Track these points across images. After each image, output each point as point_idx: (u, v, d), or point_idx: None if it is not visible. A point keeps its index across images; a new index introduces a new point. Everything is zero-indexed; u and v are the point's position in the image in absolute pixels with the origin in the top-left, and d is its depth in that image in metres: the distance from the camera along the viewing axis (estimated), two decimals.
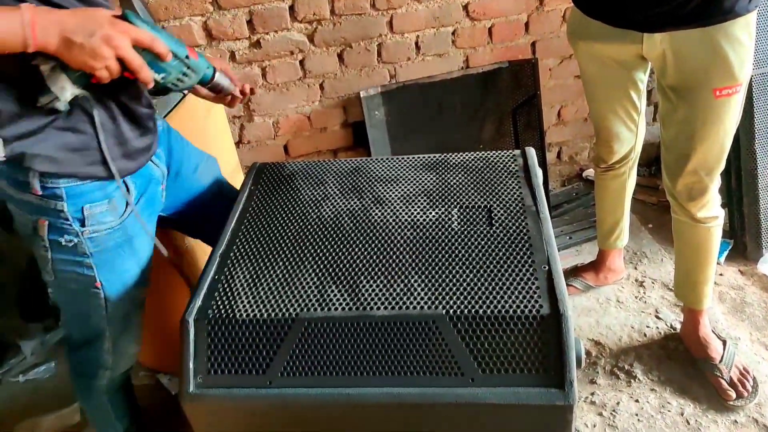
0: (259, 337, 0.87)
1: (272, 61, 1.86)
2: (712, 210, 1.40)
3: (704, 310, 1.54)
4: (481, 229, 0.99)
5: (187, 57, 0.89)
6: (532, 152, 1.15)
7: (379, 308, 0.86)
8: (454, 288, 0.88)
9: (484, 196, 1.06)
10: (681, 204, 1.41)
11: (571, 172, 2.36)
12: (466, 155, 1.17)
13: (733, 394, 1.46)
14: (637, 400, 1.50)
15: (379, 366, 0.84)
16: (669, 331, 1.68)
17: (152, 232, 1.06)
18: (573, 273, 1.83)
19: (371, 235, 1.00)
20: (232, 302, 0.90)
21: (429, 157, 1.18)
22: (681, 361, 1.59)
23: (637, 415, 1.47)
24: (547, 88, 2.10)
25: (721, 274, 1.85)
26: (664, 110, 1.33)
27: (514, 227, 0.98)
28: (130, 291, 1.04)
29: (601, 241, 1.79)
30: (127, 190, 0.97)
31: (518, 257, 0.93)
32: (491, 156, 1.16)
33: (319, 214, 1.06)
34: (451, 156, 1.18)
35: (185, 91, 1.05)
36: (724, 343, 1.55)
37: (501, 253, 0.94)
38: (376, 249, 0.97)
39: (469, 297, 0.87)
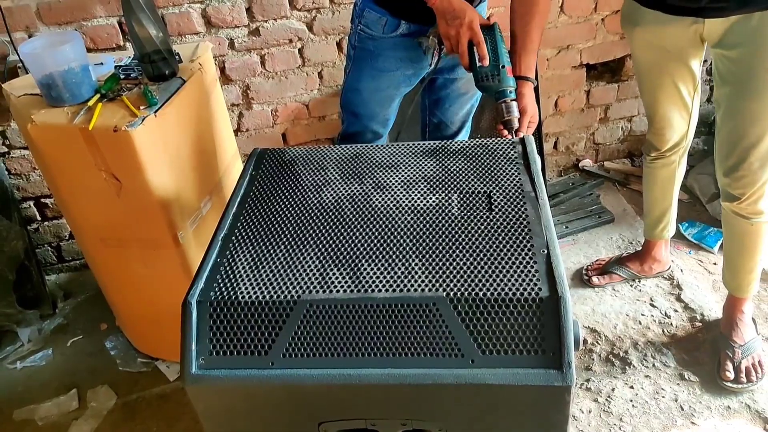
0: (261, 319, 0.87)
1: (271, 49, 1.85)
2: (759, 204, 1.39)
3: (744, 298, 1.55)
4: (481, 214, 1.00)
5: (502, 66, 1.21)
6: (530, 140, 1.16)
7: (380, 290, 0.87)
8: (455, 271, 0.89)
9: (484, 182, 1.07)
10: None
11: (567, 163, 2.37)
12: (466, 142, 1.18)
13: (731, 375, 1.48)
14: (631, 387, 1.52)
15: (380, 347, 0.85)
16: (663, 319, 1.70)
17: (402, 69, 1.39)
18: (618, 261, 1.83)
19: (372, 219, 1.00)
20: (234, 285, 0.90)
21: (429, 143, 1.19)
22: (675, 348, 1.61)
23: (631, 401, 1.49)
24: (545, 78, 2.10)
25: (714, 263, 1.87)
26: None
27: (513, 213, 0.99)
28: (362, 92, 1.42)
29: (648, 231, 1.78)
30: (396, 26, 1.31)
31: (517, 241, 0.93)
32: (490, 143, 1.17)
33: (320, 199, 1.06)
34: (450, 143, 1.18)
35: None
36: (757, 336, 1.56)
37: (500, 238, 0.94)
38: (376, 233, 0.97)
39: (469, 280, 0.87)
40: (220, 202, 1.55)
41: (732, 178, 1.37)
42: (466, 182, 1.07)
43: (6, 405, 1.64)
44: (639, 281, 1.82)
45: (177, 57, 1.42)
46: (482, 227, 0.97)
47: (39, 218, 2.00)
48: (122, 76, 1.40)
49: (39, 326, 1.85)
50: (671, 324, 1.68)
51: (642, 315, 1.72)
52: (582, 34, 2.08)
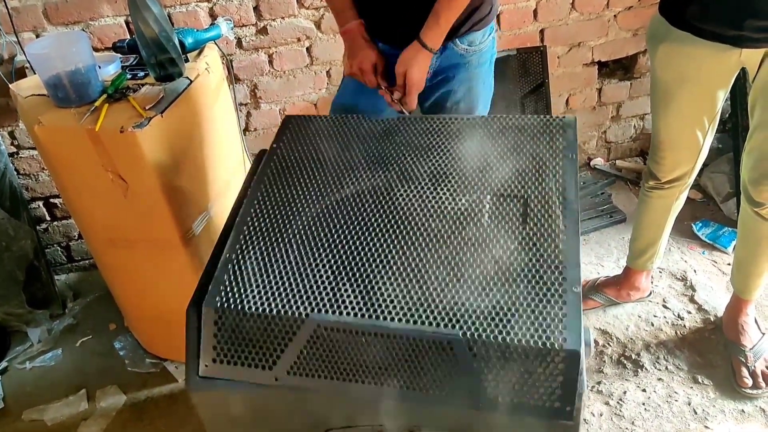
0: (268, 333, 0.84)
1: (279, 47, 1.84)
2: None
3: (751, 300, 1.53)
4: (514, 227, 0.89)
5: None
6: (573, 122, 1.05)
7: (393, 319, 0.81)
8: (474, 305, 0.81)
9: (522, 181, 0.95)
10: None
11: (579, 161, 2.34)
12: (510, 120, 1.04)
13: (750, 382, 1.45)
14: (644, 390, 1.50)
15: (389, 378, 0.82)
16: (676, 320, 1.67)
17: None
18: (594, 287, 1.75)
19: (393, 222, 0.92)
20: (242, 291, 0.87)
21: (471, 118, 1.07)
22: (688, 350, 1.59)
23: (644, 404, 1.47)
24: (555, 76, 2.08)
25: (728, 264, 1.84)
26: None
27: (548, 231, 0.89)
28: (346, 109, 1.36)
29: (630, 258, 1.69)
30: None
31: (548, 272, 0.83)
32: (537, 124, 1.03)
33: (340, 190, 0.98)
34: (494, 119, 1.06)
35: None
36: (763, 335, 1.54)
37: (531, 265, 0.85)
38: (396, 243, 0.89)
39: (489, 318, 0.79)
40: (228, 203, 1.54)
41: (755, 189, 1.34)
42: (503, 180, 0.95)
43: (16, 405, 1.65)
44: (651, 282, 1.79)
45: (184, 57, 1.41)
46: (513, 247, 0.87)
47: (48, 218, 2.00)
48: (129, 76, 1.39)
49: (48, 326, 1.85)
50: (684, 326, 1.65)
51: (654, 316, 1.69)
52: (594, 31, 2.04)
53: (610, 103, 2.23)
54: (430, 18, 1.17)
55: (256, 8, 1.76)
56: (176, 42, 1.35)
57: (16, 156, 1.86)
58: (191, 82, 1.37)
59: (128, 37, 1.70)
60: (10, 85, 1.43)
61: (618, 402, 1.48)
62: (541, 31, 2.01)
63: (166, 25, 1.31)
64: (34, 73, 1.46)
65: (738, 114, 1.89)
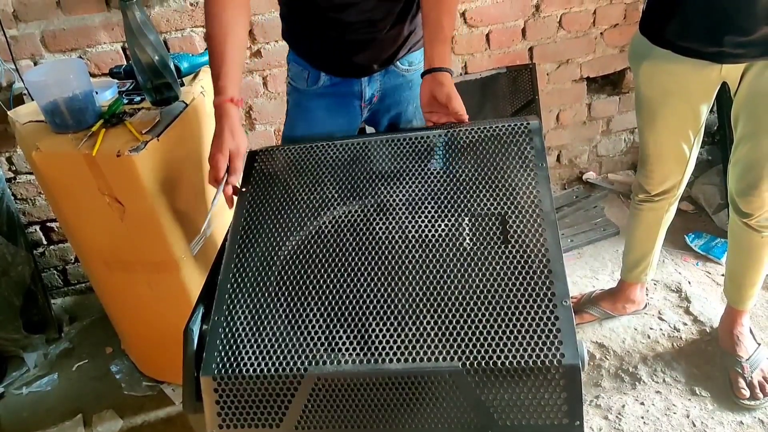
0: (269, 392, 0.83)
1: (273, 70, 1.87)
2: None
3: (745, 311, 1.54)
4: (496, 247, 0.90)
5: None
6: (539, 127, 1.04)
7: (392, 360, 0.81)
8: (470, 332, 0.81)
9: (497, 198, 0.95)
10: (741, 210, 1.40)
11: (570, 176, 2.37)
12: (475, 131, 1.04)
13: (747, 393, 1.46)
14: (642, 403, 1.50)
15: (395, 422, 0.81)
16: (672, 332, 1.68)
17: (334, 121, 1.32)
18: (590, 300, 1.77)
19: (377, 258, 0.92)
20: (237, 355, 0.85)
21: (433, 135, 1.06)
22: (685, 362, 1.59)
23: (642, 417, 1.47)
24: (545, 92, 2.11)
25: (722, 275, 1.85)
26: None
27: (531, 245, 0.88)
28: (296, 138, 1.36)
29: (624, 271, 1.71)
30: (317, 78, 1.29)
31: (537, 289, 0.84)
32: (501, 132, 1.03)
33: (319, 232, 0.97)
34: (457, 132, 1.04)
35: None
36: (759, 345, 1.55)
37: (518, 283, 0.85)
38: (383, 278, 0.89)
39: (486, 344, 0.80)
40: (224, 224, 1.55)
41: (743, 200, 1.37)
42: (478, 198, 0.96)
43: (12, 431, 1.64)
44: (647, 294, 1.80)
45: (179, 81, 1.44)
46: (498, 268, 0.87)
47: (45, 242, 2.01)
48: (125, 101, 1.41)
49: (45, 351, 1.85)
50: (680, 338, 1.66)
51: (650, 329, 1.70)
52: (581, 48, 2.08)
53: (600, 118, 2.26)
54: (433, 39, 1.10)
55: (250, 32, 1.79)
56: (172, 67, 1.37)
57: (13, 181, 1.88)
58: (187, 105, 1.39)
59: (125, 63, 1.73)
60: (8, 112, 1.45)
61: (617, 416, 1.48)
62: (530, 49, 2.05)
63: (162, 50, 1.33)
64: (32, 100, 1.48)
65: (726, 126, 1.92)
